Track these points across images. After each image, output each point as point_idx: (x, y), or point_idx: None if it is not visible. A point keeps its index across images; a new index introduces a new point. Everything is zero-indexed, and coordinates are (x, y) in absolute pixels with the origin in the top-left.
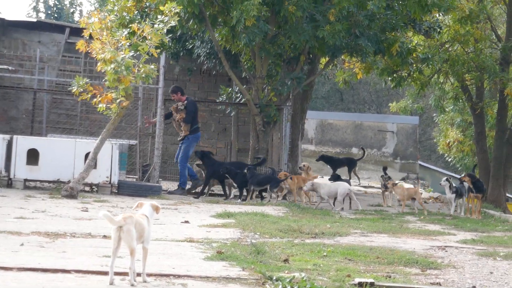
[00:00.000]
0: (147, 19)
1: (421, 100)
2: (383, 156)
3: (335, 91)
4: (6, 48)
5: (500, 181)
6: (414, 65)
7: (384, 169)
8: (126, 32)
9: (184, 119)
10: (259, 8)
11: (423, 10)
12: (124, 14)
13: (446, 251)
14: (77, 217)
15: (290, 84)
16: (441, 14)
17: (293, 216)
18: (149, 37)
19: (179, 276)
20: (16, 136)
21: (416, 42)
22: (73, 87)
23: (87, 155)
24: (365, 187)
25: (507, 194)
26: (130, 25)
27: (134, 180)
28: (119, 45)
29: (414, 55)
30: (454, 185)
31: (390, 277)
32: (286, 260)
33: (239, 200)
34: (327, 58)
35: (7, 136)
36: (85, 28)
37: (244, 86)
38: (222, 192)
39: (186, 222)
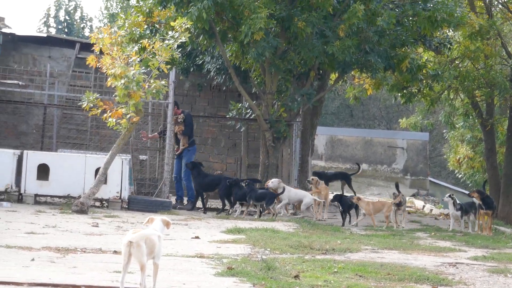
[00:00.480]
0: (158, 35)
1: (431, 116)
2: (393, 172)
3: (345, 107)
4: (17, 63)
5: (511, 197)
6: (424, 81)
7: (397, 186)
8: (136, 48)
9: (184, 131)
10: (267, 22)
11: (433, 26)
12: (134, 29)
13: (457, 268)
14: (87, 232)
15: (300, 100)
16: (451, 30)
17: (303, 232)
18: (159, 53)
19: None
20: (26, 151)
21: (426, 58)
22: (83, 102)
23: (97, 170)
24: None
25: None
26: (141, 41)
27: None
28: (129, 60)
29: (424, 71)
30: (458, 201)
31: None
32: (296, 276)
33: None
34: (337, 74)
35: (18, 151)
36: (95, 43)
37: (254, 101)
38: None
39: (197, 237)
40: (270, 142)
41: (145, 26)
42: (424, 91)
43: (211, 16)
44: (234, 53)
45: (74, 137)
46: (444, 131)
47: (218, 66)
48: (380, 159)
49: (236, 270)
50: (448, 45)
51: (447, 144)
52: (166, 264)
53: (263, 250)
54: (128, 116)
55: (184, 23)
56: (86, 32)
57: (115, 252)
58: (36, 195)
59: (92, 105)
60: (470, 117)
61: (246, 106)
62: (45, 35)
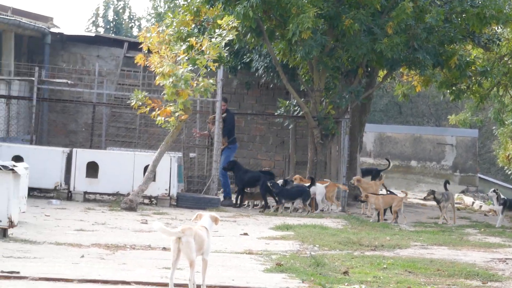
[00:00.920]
0: (205, 33)
1: (480, 113)
2: (442, 169)
3: (394, 104)
4: (66, 63)
5: None
6: (473, 78)
7: (446, 183)
8: (184, 46)
9: (222, 132)
10: (315, 21)
11: (481, 22)
12: (182, 28)
13: (507, 264)
14: (136, 229)
15: (348, 97)
16: (499, 27)
17: (352, 229)
18: (207, 51)
19: None
20: (75, 149)
21: (474, 55)
22: (132, 101)
23: (146, 168)
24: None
25: None
26: (188, 39)
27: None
28: (177, 59)
29: (473, 68)
30: (502, 196)
31: None
32: (345, 272)
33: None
34: (385, 71)
35: (67, 150)
36: (143, 42)
37: (302, 99)
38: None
39: (245, 234)
40: (318, 139)
41: (193, 25)
42: (473, 88)
43: (258, 14)
44: (282, 51)
45: (123, 135)
46: (494, 127)
47: (266, 64)
48: (429, 156)
49: (285, 267)
50: (497, 42)
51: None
52: (215, 260)
53: (312, 247)
54: (176, 114)
55: (231, 21)
56: (134, 32)
57: (164, 248)
58: (85, 193)
59: (140, 103)
60: None
61: (294, 103)
62: (93, 34)
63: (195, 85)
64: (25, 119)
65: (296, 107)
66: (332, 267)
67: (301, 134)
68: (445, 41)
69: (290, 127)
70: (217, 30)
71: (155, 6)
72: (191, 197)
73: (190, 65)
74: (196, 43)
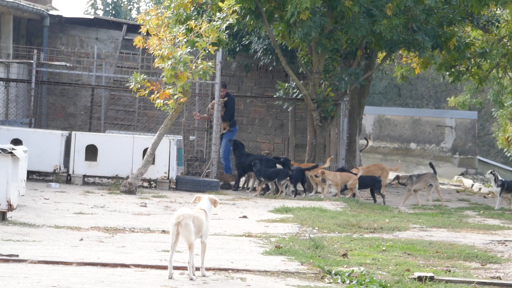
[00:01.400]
0: (204, 16)
1: (479, 94)
2: (441, 152)
3: (393, 87)
4: (64, 45)
5: None
6: (472, 59)
7: (430, 164)
8: (183, 29)
9: (223, 117)
10: (313, 1)
11: (480, 4)
12: (181, 10)
13: (506, 246)
14: (136, 212)
15: (347, 79)
16: (498, 8)
17: (351, 211)
18: (207, 34)
19: (237, 271)
20: (74, 132)
21: (473, 36)
22: (131, 84)
23: (145, 151)
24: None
25: None
26: (187, 22)
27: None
28: (176, 41)
29: (472, 50)
30: (500, 178)
31: (449, 271)
32: (345, 255)
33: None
34: (384, 53)
35: (66, 133)
36: (142, 25)
37: (301, 81)
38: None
39: (244, 217)
40: (318, 122)
41: (192, 7)
42: (472, 70)
43: None
44: (281, 33)
45: (122, 118)
46: (493, 109)
47: (265, 47)
48: (429, 138)
49: (284, 249)
50: (496, 23)
51: (496, 122)
52: (214, 243)
53: (311, 229)
54: (175, 96)
55: (232, 4)
56: (133, 14)
57: (163, 231)
58: (84, 176)
59: (139, 86)
60: None
61: (293, 86)
62: (92, 17)
63: (194, 67)
64: (24, 102)
65: (295, 90)
66: (331, 250)
67: (300, 117)
68: (444, 23)
69: (289, 110)
70: (217, 14)
71: None
72: (190, 180)
73: (189, 48)
74: (195, 26)
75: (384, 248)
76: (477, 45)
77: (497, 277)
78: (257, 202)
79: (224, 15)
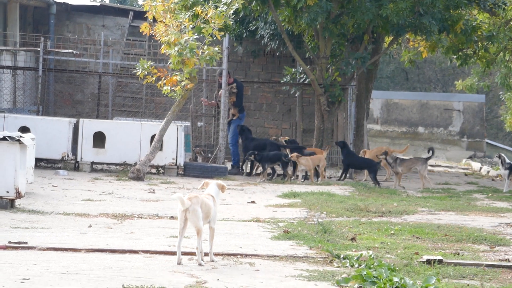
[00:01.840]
0: (210, 1)
1: (487, 78)
2: (449, 135)
3: (400, 71)
4: (71, 33)
5: None
6: (479, 43)
7: (429, 149)
8: (189, 15)
9: (235, 103)
10: None
11: None
12: None
13: None
14: (144, 199)
15: (355, 64)
16: None
17: (359, 195)
18: (213, 20)
19: (246, 255)
20: (82, 119)
21: (480, 19)
22: (138, 70)
23: (153, 137)
24: (432, 166)
25: None
26: (193, 8)
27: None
28: (182, 27)
29: (479, 33)
30: (507, 161)
31: (458, 254)
32: (353, 239)
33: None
34: (391, 37)
35: (73, 120)
36: (148, 11)
37: (308, 66)
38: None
39: (253, 202)
40: (325, 107)
41: None
42: (480, 53)
43: None
44: (287, 18)
45: (129, 105)
46: (501, 92)
47: (271, 32)
48: (436, 122)
49: (292, 234)
50: (503, 6)
51: (504, 105)
52: (222, 228)
53: (319, 214)
54: (182, 83)
55: None
56: (140, 1)
57: (171, 217)
58: (92, 163)
59: (146, 73)
60: None
61: (300, 71)
62: (98, 4)
63: (200, 53)
64: (31, 90)
65: (303, 75)
66: (340, 234)
67: (308, 102)
68: (450, 6)
69: (296, 95)
70: None
71: None
72: (198, 166)
73: (196, 34)
74: (202, 12)
75: (392, 232)
76: (484, 28)
77: (506, 259)
78: (265, 187)
79: (230, 0)
